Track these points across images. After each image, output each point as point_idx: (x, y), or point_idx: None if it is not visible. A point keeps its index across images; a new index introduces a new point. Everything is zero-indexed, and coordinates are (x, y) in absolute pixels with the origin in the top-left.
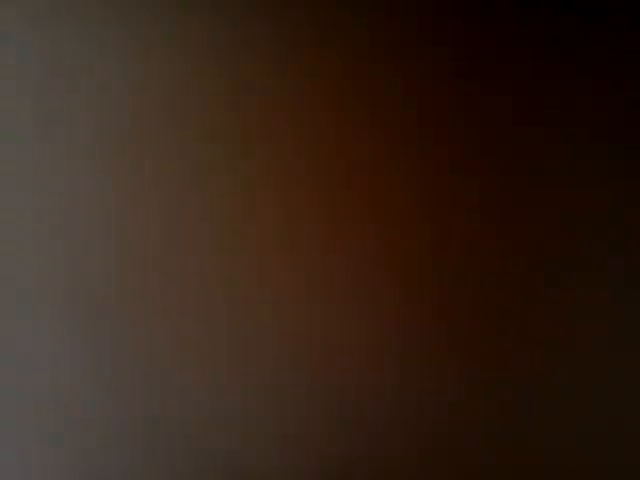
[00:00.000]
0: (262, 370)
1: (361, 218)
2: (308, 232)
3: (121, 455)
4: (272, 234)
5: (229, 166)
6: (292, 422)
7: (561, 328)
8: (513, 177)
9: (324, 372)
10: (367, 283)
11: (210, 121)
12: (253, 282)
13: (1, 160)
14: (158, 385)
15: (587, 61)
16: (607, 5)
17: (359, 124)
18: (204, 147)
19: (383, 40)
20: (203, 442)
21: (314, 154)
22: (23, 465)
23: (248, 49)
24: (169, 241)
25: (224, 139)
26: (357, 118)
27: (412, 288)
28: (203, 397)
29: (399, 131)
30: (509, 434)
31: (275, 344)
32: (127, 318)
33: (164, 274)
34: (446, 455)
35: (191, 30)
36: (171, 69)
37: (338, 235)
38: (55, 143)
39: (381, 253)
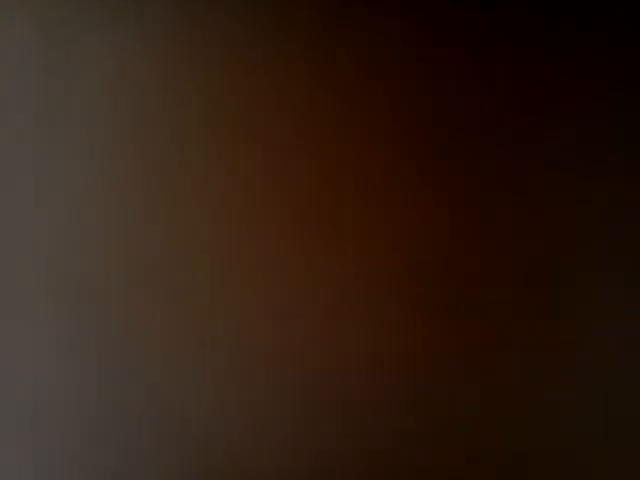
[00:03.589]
0: (262, 370)
1: (368, 219)
2: (312, 233)
3: (121, 455)
4: (275, 235)
5: (231, 166)
6: (291, 423)
7: (571, 335)
8: (519, 178)
9: (326, 373)
10: (373, 284)
11: (211, 121)
12: (256, 282)
13: (1, 160)
14: (159, 385)
15: (588, 60)
16: (607, 5)
17: (363, 124)
18: (205, 147)
19: (384, 40)
20: (203, 442)
21: (319, 154)
22: (23, 465)
23: (249, 49)
24: (170, 241)
25: (226, 139)
26: (362, 118)
27: (418, 289)
28: (203, 397)
29: (403, 132)
30: (511, 437)
31: (277, 345)
32: (128, 318)
33: (166, 273)
34: (446, 460)
35: (192, 30)
36: (171, 69)
37: (343, 236)
38: (55, 143)
39: (385, 254)
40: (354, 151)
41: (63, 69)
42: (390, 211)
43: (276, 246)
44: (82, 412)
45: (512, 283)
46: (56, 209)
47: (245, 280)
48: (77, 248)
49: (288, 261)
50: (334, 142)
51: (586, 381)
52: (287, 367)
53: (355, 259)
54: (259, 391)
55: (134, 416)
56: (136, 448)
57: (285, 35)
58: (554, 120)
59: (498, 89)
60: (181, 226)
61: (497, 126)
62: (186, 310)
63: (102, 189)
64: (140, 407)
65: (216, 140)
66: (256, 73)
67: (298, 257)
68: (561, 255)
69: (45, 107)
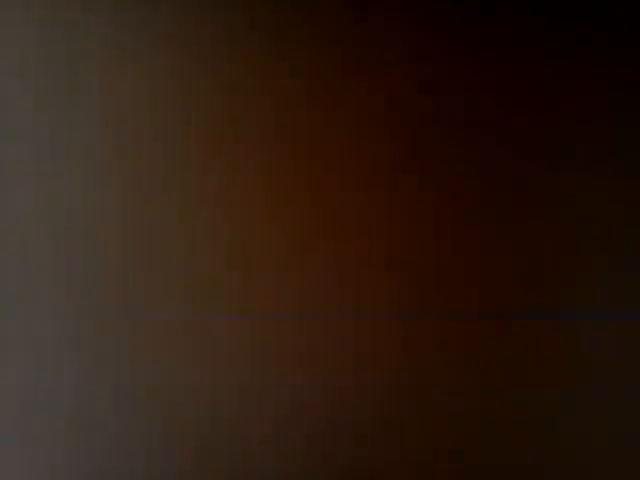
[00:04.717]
0: (261, 370)
1: (368, 220)
2: (312, 233)
3: (121, 455)
4: (273, 235)
5: (229, 167)
6: (290, 423)
7: (571, 335)
8: (519, 178)
9: (326, 374)
10: (373, 283)
11: (211, 121)
12: (255, 283)
13: (1, 160)
14: (159, 385)
15: (588, 60)
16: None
17: (363, 124)
18: (204, 147)
19: (381, 40)
20: (203, 442)
21: (318, 154)
22: (23, 465)
23: (250, 49)
24: (169, 241)
25: (225, 139)
26: (362, 118)
27: (417, 289)
28: (203, 397)
29: (403, 132)
30: (511, 437)
31: (276, 345)
32: (129, 317)
33: (164, 273)
34: (446, 460)
35: (192, 30)
36: (170, 69)
37: (343, 236)
38: (55, 143)
39: (385, 252)
40: (354, 151)
41: (63, 69)
42: (390, 211)
43: (275, 246)
44: (82, 413)
45: (512, 283)
46: (57, 209)
47: (245, 280)
48: (77, 248)
49: (288, 261)
50: (334, 142)
51: (586, 381)
52: (285, 367)
53: (355, 259)
54: (258, 391)
55: (135, 416)
56: (136, 448)
57: (285, 35)
58: (554, 120)
59: (498, 89)
60: (181, 226)
61: (497, 126)
62: (185, 310)
63: (103, 189)
64: (141, 407)
65: (216, 140)
66: (256, 73)
67: (297, 257)
68: (561, 255)
69: (45, 107)
